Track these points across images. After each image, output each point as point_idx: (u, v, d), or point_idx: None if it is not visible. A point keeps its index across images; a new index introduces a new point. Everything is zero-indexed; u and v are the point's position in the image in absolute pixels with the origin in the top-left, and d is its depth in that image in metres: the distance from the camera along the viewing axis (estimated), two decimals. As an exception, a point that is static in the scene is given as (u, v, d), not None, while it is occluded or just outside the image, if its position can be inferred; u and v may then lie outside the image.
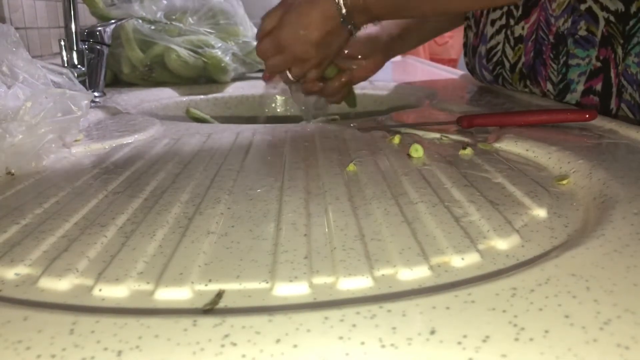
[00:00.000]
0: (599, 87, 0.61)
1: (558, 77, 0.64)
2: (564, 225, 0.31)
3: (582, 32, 0.61)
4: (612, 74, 0.59)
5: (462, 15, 0.83)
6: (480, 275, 0.25)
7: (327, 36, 0.60)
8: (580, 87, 0.62)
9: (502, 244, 0.28)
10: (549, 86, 0.66)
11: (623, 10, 0.57)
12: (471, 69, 0.83)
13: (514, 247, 0.28)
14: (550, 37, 0.64)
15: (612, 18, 0.58)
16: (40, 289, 0.24)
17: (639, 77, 0.57)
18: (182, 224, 0.31)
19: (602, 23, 0.59)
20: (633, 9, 0.57)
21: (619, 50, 0.58)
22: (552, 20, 0.64)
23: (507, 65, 0.72)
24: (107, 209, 0.33)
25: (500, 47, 0.73)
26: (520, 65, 0.70)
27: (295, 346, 0.19)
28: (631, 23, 0.57)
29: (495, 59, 0.74)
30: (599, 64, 0.60)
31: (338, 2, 0.58)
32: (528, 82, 0.69)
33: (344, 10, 0.58)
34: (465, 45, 0.83)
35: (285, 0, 0.62)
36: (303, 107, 0.74)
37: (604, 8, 0.59)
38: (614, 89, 0.59)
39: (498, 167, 0.41)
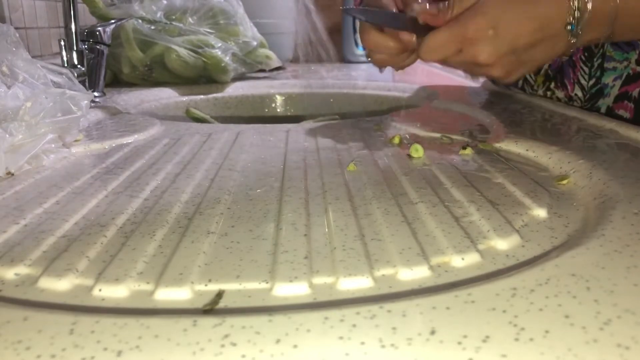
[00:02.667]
0: (636, 92, 0.55)
1: (590, 80, 0.59)
2: (564, 225, 0.31)
3: None
4: None
5: None
6: (480, 275, 0.25)
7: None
8: (615, 92, 0.57)
9: (502, 244, 0.28)
10: (577, 90, 0.61)
11: None
12: None
13: (514, 247, 0.28)
14: None
15: None
16: (40, 289, 0.24)
17: None
18: (182, 224, 0.31)
19: None
20: None
21: None
22: None
23: None
24: (107, 209, 0.33)
25: None
26: (546, 66, 0.65)
27: (295, 346, 0.19)
28: None
29: None
30: (638, 69, 0.55)
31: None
32: (552, 85, 0.65)
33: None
34: None
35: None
36: None
37: None
38: None
39: (498, 167, 0.41)
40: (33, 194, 0.36)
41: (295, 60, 1.29)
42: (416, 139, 0.50)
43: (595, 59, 0.59)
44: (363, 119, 0.62)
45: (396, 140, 0.49)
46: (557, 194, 0.36)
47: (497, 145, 0.47)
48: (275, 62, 1.07)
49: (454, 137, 0.50)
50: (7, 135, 0.40)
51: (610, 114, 0.58)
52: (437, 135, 0.51)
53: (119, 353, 0.18)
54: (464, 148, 0.45)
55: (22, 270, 0.25)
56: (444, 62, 0.46)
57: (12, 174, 0.40)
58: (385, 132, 0.54)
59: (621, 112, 0.57)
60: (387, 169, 0.41)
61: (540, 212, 0.32)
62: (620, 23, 0.44)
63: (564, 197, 0.35)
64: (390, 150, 0.47)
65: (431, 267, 0.25)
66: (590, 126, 0.52)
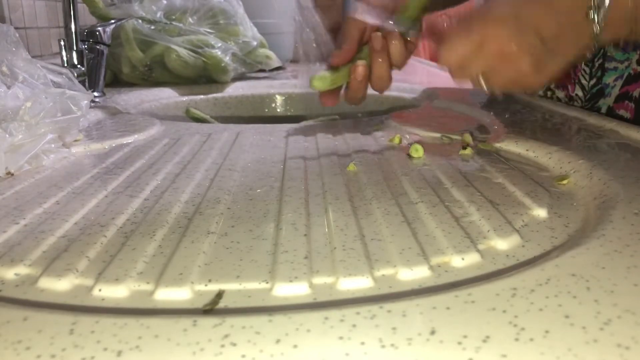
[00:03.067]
0: (636, 92, 0.55)
1: (591, 80, 0.59)
2: (564, 225, 0.31)
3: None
4: None
5: None
6: (480, 275, 0.25)
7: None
8: (616, 92, 0.57)
9: (502, 244, 0.28)
10: (578, 90, 0.61)
11: None
12: None
13: (514, 247, 0.28)
14: None
15: None
16: (40, 289, 0.24)
17: None
18: (182, 224, 0.31)
19: None
20: None
21: None
22: None
23: None
24: (107, 209, 0.33)
25: None
26: None
27: (295, 346, 0.18)
28: None
29: None
30: (639, 69, 0.54)
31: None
32: (552, 85, 0.65)
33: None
34: None
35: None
36: None
37: None
38: None
39: (498, 167, 0.41)
40: (33, 194, 0.36)
41: (295, 60, 1.29)
42: (416, 139, 0.50)
43: (596, 59, 0.59)
44: (363, 119, 0.62)
45: (396, 140, 0.49)
46: (557, 194, 0.36)
47: (497, 145, 0.47)
48: (275, 62, 1.07)
49: (454, 137, 0.50)
50: (7, 135, 0.40)
51: (611, 114, 0.58)
52: (437, 135, 0.51)
53: (119, 353, 0.18)
54: (464, 148, 0.45)
55: (22, 270, 0.25)
56: (464, 66, 0.42)
57: (12, 174, 0.40)
58: (385, 132, 0.54)
59: (622, 112, 0.57)
60: (387, 169, 0.41)
61: (541, 212, 0.32)
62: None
63: (564, 197, 0.35)
64: (390, 150, 0.47)
65: (431, 267, 0.25)
66: (590, 126, 0.52)
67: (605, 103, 0.59)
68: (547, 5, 0.41)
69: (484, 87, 0.44)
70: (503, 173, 0.39)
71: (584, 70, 0.60)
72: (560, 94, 0.65)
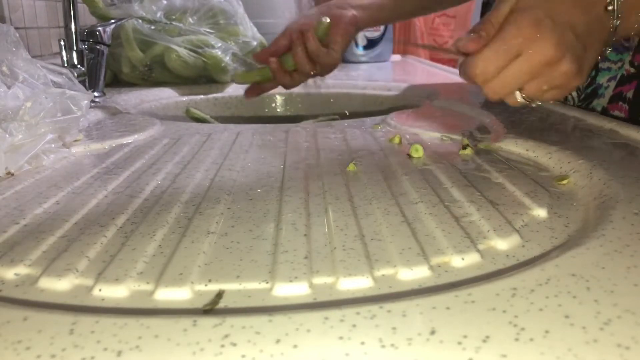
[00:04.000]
0: (630, 94, 0.55)
1: (585, 81, 0.59)
2: (564, 225, 0.31)
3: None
4: None
5: None
6: (480, 275, 0.25)
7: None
8: (609, 92, 0.57)
9: (502, 244, 0.28)
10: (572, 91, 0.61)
11: None
12: None
13: (514, 247, 0.28)
14: None
15: None
16: (40, 289, 0.24)
17: None
18: (182, 224, 0.31)
19: None
20: None
21: None
22: None
23: None
24: (107, 209, 0.33)
25: None
26: None
27: (295, 346, 0.18)
28: None
29: None
30: (632, 70, 0.55)
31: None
32: None
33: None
34: None
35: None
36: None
37: None
38: None
39: (498, 167, 0.41)
40: (33, 194, 0.36)
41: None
42: (416, 139, 0.50)
43: None
44: (363, 119, 0.62)
45: (396, 140, 0.49)
46: (557, 194, 0.36)
47: (497, 145, 0.47)
48: (275, 62, 1.07)
49: (454, 137, 0.50)
50: (7, 135, 0.40)
51: (605, 114, 0.58)
52: (437, 135, 0.51)
53: (119, 353, 0.18)
54: (464, 148, 0.45)
55: (22, 270, 0.25)
56: (504, 81, 0.39)
57: (12, 174, 0.40)
58: (385, 132, 0.54)
59: (616, 112, 0.58)
60: (387, 169, 0.41)
61: (541, 212, 0.32)
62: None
63: (564, 197, 0.35)
64: (390, 150, 0.47)
65: (431, 267, 0.25)
66: (590, 126, 0.52)
67: (599, 104, 0.59)
68: (575, 1, 0.39)
69: (526, 100, 0.41)
70: (503, 173, 0.39)
71: None
72: None
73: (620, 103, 0.57)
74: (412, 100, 0.87)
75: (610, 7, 0.39)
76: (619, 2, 0.39)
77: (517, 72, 0.38)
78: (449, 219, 0.31)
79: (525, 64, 0.38)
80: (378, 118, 0.61)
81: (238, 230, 0.30)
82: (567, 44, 0.37)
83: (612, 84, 0.57)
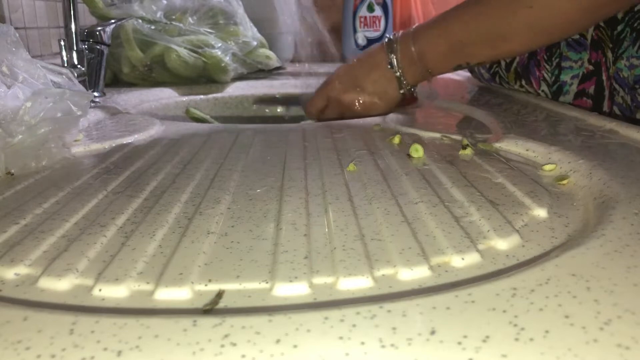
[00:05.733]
0: (591, 90, 0.62)
1: (552, 78, 0.65)
2: (564, 225, 0.31)
3: (575, 35, 0.62)
4: (604, 77, 0.60)
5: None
6: (480, 275, 0.25)
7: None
8: (574, 89, 0.63)
9: (502, 244, 0.28)
10: (544, 87, 0.66)
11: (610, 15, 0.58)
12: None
13: (514, 247, 0.28)
14: None
15: (601, 23, 0.60)
16: (40, 289, 0.24)
17: (630, 80, 0.57)
18: (182, 224, 0.31)
19: (591, 27, 0.61)
20: (620, 14, 0.58)
21: (609, 54, 0.59)
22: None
23: (503, 64, 0.72)
24: (107, 209, 0.33)
25: None
26: (515, 64, 0.71)
27: (295, 346, 0.19)
28: (619, 28, 0.58)
29: None
30: (591, 67, 0.61)
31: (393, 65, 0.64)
32: (523, 82, 0.70)
33: (398, 73, 0.64)
34: None
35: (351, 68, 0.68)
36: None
37: None
38: (606, 92, 0.60)
39: (498, 167, 0.41)
40: (33, 194, 0.36)
41: (295, 60, 1.29)
42: (416, 139, 0.50)
43: (554, 58, 0.64)
44: (363, 119, 0.62)
45: (396, 140, 0.49)
46: (557, 194, 0.36)
47: (497, 145, 0.47)
48: (275, 62, 1.07)
49: (454, 137, 0.50)
50: (7, 135, 0.40)
51: None
52: (437, 135, 0.51)
53: (119, 353, 0.18)
54: (464, 148, 0.45)
55: (22, 270, 0.25)
56: (324, 112, 0.70)
57: (12, 174, 0.40)
58: (385, 132, 0.54)
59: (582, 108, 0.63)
60: (387, 169, 0.41)
61: (541, 212, 0.32)
62: (425, 63, 0.62)
63: (564, 197, 0.35)
64: (390, 150, 0.47)
65: (431, 267, 0.25)
66: (590, 126, 0.52)
67: (566, 100, 0.64)
68: (361, 66, 0.66)
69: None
70: (503, 173, 0.39)
71: (546, 68, 0.66)
72: (531, 90, 0.70)
73: (585, 98, 0.63)
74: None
75: (389, 66, 0.64)
76: (397, 62, 0.63)
77: (330, 109, 0.70)
78: (449, 219, 0.31)
79: (332, 104, 0.69)
80: (378, 118, 0.61)
81: (238, 230, 0.30)
82: (353, 94, 0.66)
83: (576, 81, 0.63)
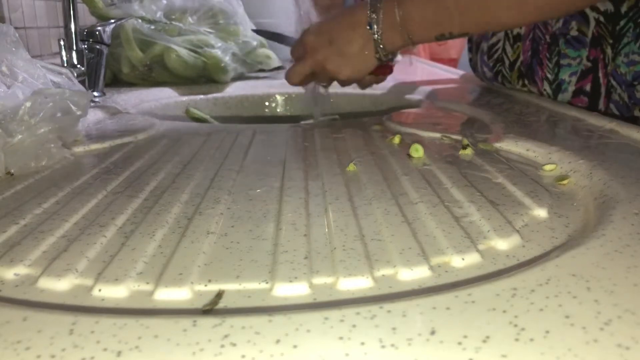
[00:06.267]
0: (588, 87, 0.62)
1: (552, 77, 0.65)
2: (565, 225, 0.31)
3: (574, 32, 0.62)
4: (601, 74, 0.60)
5: None
6: (480, 275, 0.25)
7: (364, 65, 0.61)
8: (572, 88, 0.63)
9: (502, 244, 0.28)
10: (546, 85, 0.66)
11: (612, 11, 0.58)
12: (473, 65, 0.83)
13: (514, 247, 0.28)
14: (547, 37, 0.65)
15: (602, 19, 0.59)
16: (39, 289, 0.24)
17: (628, 77, 0.57)
18: (181, 224, 0.31)
19: (592, 23, 0.60)
20: (623, 9, 0.58)
21: (608, 51, 0.59)
22: (549, 19, 0.64)
23: (507, 62, 0.72)
24: (107, 209, 0.33)
25: (500, 44, 0.73)
26: (518, 63, 0.71)
27: (295, 346, 0.18)
28: (622, 23, 0.58)
29: (495, 55, 0.74)
30: (589, 64, 0.61)
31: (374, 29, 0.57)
32: (526, 81, 0.70)
33: (376, 36, 0.58)
34: (469, 41, 0.83)
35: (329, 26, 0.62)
36: (313, 106, 0.74)
37: (594, 9, 0.59)
38: (603, 89, 0.60)
39: (498, 167, 0.41)
40: (33, 194, 0.36)
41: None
42: (416, 139, 0.50)
43: (553, 56, 0.65)
44: (363, 119, 0.62)
45: (396, 140, 0.49)
46: (557, 194, 0.36)
47: (497, 145, 0.47)
48: (275, 62, 1.07)
49: (454, 137, 0.50)
50: (7, 135, 0.40)
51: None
52: (437, 135, 0.51)
53: (119, 353, 0.18)
54: (464, 148, 0.45)
55: (22, 270, 0.25)
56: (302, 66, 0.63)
57: (12, 174, 0.40)
58: (385, 132, 0.54)
59: (579, 106, 0.62)
60: (387, 169, 0.41)
61: (541, 212, 0.32)
62: (407, 28, 0.57)
63: (564, 197, 0.35)
64: (390, 150, 0.47)
65: (431, 267, 0.25)
66: (590, 126, 0.52)
67: (564, 98, 0.64)
68: (339, 22, 0.60)
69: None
70: (503, 173, 0.39)
71: (548, 67, 0.66)
72: (533, 89, 0.70)
73: (582, 96, 0.63)
74: (412, 100, 0.87)
75: (367, 27, 0.58)
76: (378, 23, 0.57)
77: (301, 67, 0.63)
78: (449, 219, 0.30)
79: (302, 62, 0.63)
80: (378, 118, 0.61)
81: (238, 230, 0.30)
82: (322, 43, 0.60)
83: (574, 79, 0.63)
